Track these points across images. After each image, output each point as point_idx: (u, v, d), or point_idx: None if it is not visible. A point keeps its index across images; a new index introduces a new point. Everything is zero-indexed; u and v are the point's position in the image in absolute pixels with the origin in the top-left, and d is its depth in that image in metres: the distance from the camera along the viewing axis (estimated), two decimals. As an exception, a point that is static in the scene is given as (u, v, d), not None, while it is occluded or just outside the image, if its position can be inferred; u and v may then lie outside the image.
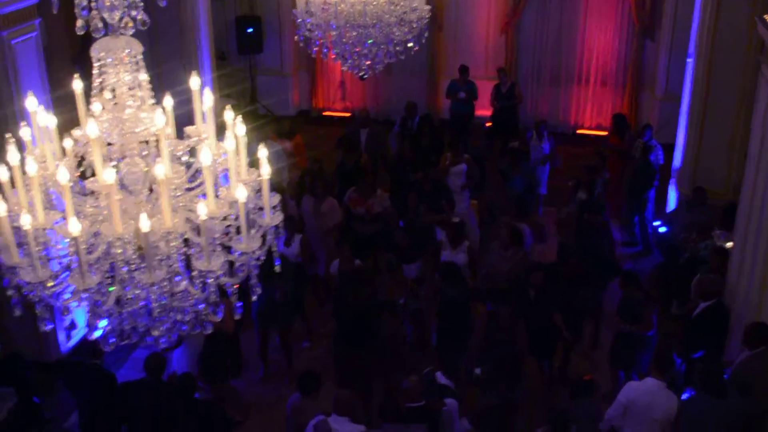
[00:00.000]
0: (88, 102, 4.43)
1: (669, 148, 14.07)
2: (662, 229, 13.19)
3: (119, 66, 4.27)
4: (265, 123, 17.05)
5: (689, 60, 12.98)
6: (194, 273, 4.23)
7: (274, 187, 4.64)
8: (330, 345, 10.98)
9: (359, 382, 9.92)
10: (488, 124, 17.00)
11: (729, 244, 10.66)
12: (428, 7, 10.09)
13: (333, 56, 10.03)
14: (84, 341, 9.76)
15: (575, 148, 17.25)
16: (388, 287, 10.29)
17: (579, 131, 18.86)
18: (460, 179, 13.36)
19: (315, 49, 10.08)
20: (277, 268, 4.62)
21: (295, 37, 10.39)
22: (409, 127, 15.52)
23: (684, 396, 8.70)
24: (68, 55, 13.49)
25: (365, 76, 10.36)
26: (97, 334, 4.42)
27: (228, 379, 10.25)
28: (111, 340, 4.38)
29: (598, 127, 18.75)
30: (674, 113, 14.23)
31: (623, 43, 18.12)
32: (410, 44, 9.96)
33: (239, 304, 4.48)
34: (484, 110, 17.42)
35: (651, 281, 12.67)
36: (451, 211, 12.52)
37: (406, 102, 16.10)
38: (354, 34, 9.67)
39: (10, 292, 4.27)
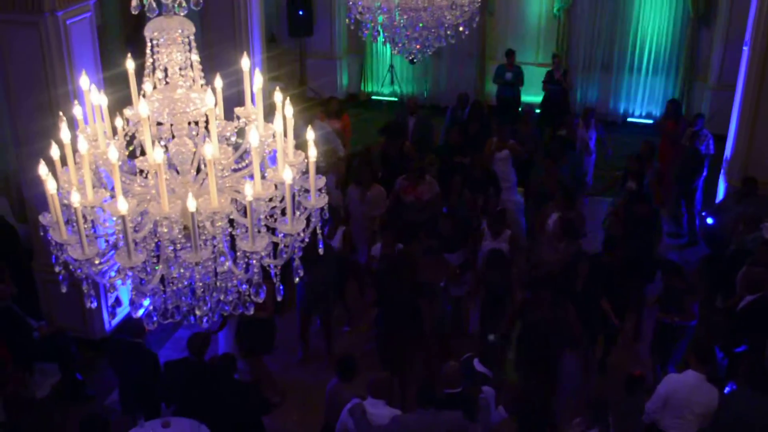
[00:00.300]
0: (140, 82, 4.48)
1: (721, 139, 13.86)
2: (709, 221, 13.01)
3: (171, 46, 4.30)
4: (313, 105, 17.12)
5: (745, 48, 12.75)
6: (238, 253, 4.25)
7: (321, 170, 4.64)
8: (369, 331, 11.05)
9: (400, 364, 10.00)
10: (537, 111, 16.87)
11: (778, 237, 10.51)
12: (480, -8, 10.04)
13: (384, 40, 10.01)
14: (127, 320, 9.89)
15: (625, 137, 17.07)
16: (430, 272, 10.26)
17: (629, 119, 18.65)
18: (506, 166, 13.30)
19: (365, 32, 10.08)
20: (321, 251, 4.63)
21: (346, 20, 10.41)
22: (458, 117, 15.44)
23: (726, 390, 8.61)
24: (122, 35, 13.65)
25: (415, 61, 10.33)
26: (141, 312, 4.48)
27: (259, 354, 10.31)
28: (154, 318, 4.42)
29: (649, 116, 18.55)
30: (727, 103, 14.00)
31: (677, 31, 17.87)
32: (461, 28, 9.91)
33: (281, 286, 4.50)
34: (533, 97, 17.29)
35: (696, 273, 12.52)
36: (497, 197, 12.46)
37: (458, 93, 16.04)
38: (405, 17, 9.65)
39: (57, 269, 4.32)
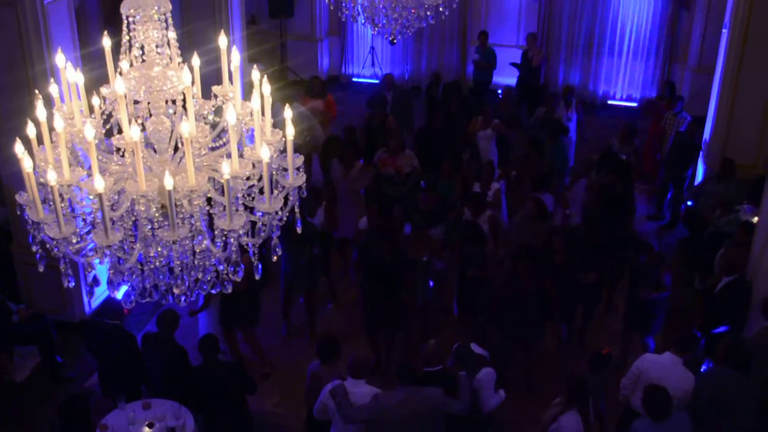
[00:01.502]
0: (116, 60, 4.45)
1: (701, 121, 13.91)
2: (688, 203, 13.10)
3: (148, 23, 4.28)
4: (292, 86, 17.10)
5: (724, 31, 12.81)
6: (216, 232, 4.25)
7: (299, 149, 4.64)
8: (352, 308, 11.09)
9: (382, 336, 10.16)
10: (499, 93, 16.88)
11: (756, 219, 10.57)
12: (460, -28, 10.04)
13: (363, 20, 9.99)
14: (106, 302, 9.88)
15: (605, 119, 17.13)
16: (413, 247, 10.30)
17: (609, 102, 18.71)
18: (489, 145, 13.37)
19: (346, 12, 10.05)
20: (299, 230, 4.63)
21: (327, 0, 10.37)
22: (433, 95, 15.47)
23: (702, 368, 8.68)
24: (100, 15, 13.55)
25: (395, 41, 10.32)
26: (119, 294, 4.47)
27: (247, 326, 10.37)
28: (132, 297, 4.41)
29: (629, 98, 18.60)
30: (707, 85, 14.07)
31: (658, 14, 17.89)
32: (441, 9, 9.90)
33: (259, 264, 4.50)
34: (510, 77, 17.28)
35: (675, 255, 12.62)
36: (491, 170, 12.51)
37: (432, 72, 16.10)
38: (385, -3, 9.64)
39: (34, 248, 4.31)
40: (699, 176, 13.73)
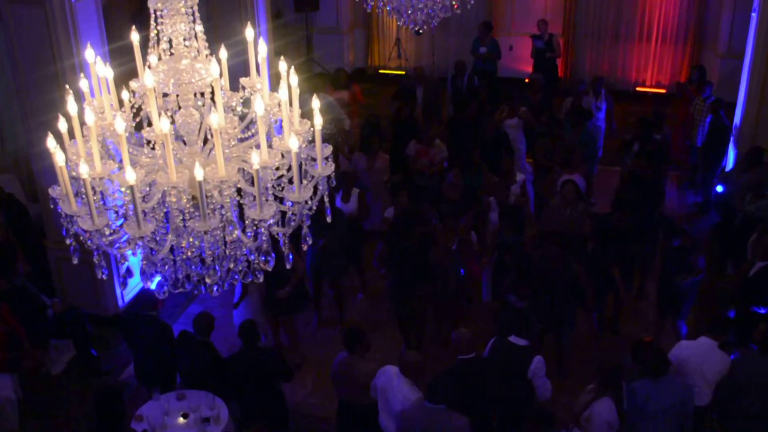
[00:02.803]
0: (145, 54, 4.50)
1: (730, 107, 13.80)
2: (719, 188, 13.00)
3: (175, 17, 4.32)
4: (317, 78, 17.15)
5: (753, 15, 12.68)
6: (247, 222, 4.29)
7: (327, 139, 4.67)
8: (383, 299, 11.12)
9: (413, 324, 10.22)
10: (527, 81, 16.78)
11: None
12: (486, -38, 10.03)
13: (388, 11, 10.00)
14: (141, 294, 9.98)
15: (634, 106, 17.02)
16: (442, 236, 10.32)
17: (639, 89, 18.59)
18: (517, 133, 13.35)
19: (371, 3, 10.06)
20: (328, 219, 4.67)
21: (352, -8, 10.40)
22: (459, 86, 15.44)
23: (734, 356, 8.64)
24: (127, 13, 13.65)
25: (420, 32, 10.34)
26: (153, 285, 4.52)
27: (290, 313, 10.47)
28: (165, 288, 4.46)
29: (658, 85, 18.50)
30: (736, 71, 13.94)
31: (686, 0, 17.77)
32: (467, -1, 9.90)
33: (290, 254, 4.53)
34: (526, 66, 17.23)
35: (708, 241, 12.53)
36: (510, 158, 12.49)
37: (455, 61, 16.05)
38: (410, -13, 9.65)
39: (68, 241, 4.37)
40: (730, 162, 13.63)
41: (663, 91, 18.38)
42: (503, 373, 8.11)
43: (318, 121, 4.30)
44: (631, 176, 11.88)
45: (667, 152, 13.17)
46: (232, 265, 4.43)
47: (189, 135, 4.44)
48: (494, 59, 16.86)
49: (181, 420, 8.27)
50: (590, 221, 10.48)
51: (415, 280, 10.05)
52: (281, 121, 4.42)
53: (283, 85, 4.35)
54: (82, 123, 4.21)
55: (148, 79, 3.97)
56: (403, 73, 19.20)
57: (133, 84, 4.60)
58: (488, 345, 8.54)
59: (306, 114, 4.54)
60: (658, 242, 11.05)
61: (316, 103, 4.36)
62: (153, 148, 4.43)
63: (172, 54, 4.40)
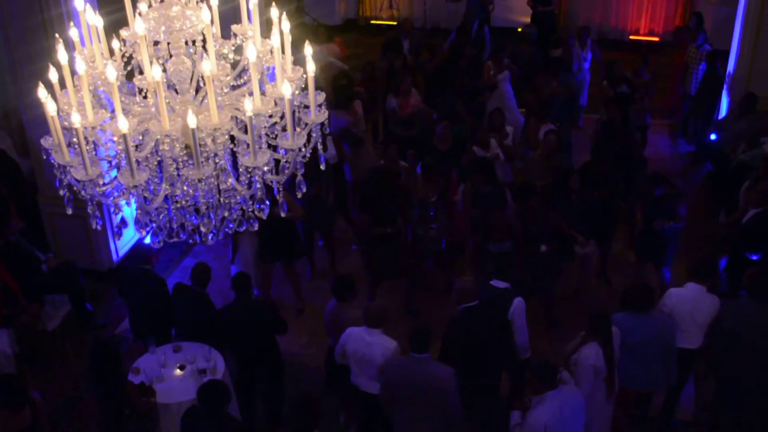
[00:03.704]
0: (135, 2, 4.45)
1: (724, 55, 13.74)
2: (712, 137, 13.00)
3: (164, -37, 4.27)
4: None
5: (747, -39, 12.60)
6: (241, 170, 4.28)
7: (320, 87, 4.64)
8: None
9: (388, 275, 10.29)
10: (519, 30, 16.59)
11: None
12: None
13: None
14: (136, 247, 9.98)
15: (628, 55, 16.91)
16: (423, 188, 10.30)
17: (632, 37, 18.49)
18: (505, 85, 13.30)
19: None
20: (323, 167, 4.66)
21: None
22: (468, 32, 15.24)
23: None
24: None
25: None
26: (147, 239, 4.52)
27: (288, 259, 10.54)
28: (159, 237, 4.46)
29: (651, 33, 18.40)
30: (729, 18, 13.87)
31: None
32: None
33: (284, 203, 4.51)
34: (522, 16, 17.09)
35: (700, 189, 12.57)
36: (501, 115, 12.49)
37: (466, 8, 15.86)
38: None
39: (61, 192, 4.35)
40: (723, 110, 13.60)
41: (656, 39, 18.30)
42: (487, 316, 8.12)
43: (310, 67, 4.27)
44: (603, 124, 11.90)
45: (639, 98, 13.06)
46: (226, 214, 4.43)
47: (181, 83, 4.41)
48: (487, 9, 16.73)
49: (177, 371, 8.32)
50: (575, 175, 10.47)
51: (383, 237, 10.08)
52: (274, 68, 4.39)
53: (275, 31, 4.32)
54: (73, 72, 4.17)
55: (138, 26, 3.93)
56: (395, 23, 19.02)
57: (123, 32, 4.55)
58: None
59: (298, 61, 4.51)
60: (636, 189, 11.02)
61: (308, 50, 4.33)
62: (145, 97, 4.39)
63: (162, 1, 4.34)
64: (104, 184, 4.28)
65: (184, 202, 4.32)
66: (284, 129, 4.32)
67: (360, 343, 7.83)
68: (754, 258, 9.47)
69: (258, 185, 4.29)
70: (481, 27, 15.46)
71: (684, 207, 9.89)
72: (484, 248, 9.87)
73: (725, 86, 13.53)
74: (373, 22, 19.78)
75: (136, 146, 4.20)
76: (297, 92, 4.40)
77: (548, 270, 9.95)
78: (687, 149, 14.19)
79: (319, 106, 4.45)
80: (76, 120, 3.93)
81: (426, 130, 12.33)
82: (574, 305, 10.40)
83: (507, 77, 13.33)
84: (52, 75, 4.24)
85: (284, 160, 4.38)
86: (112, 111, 4.13)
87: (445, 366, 7.47)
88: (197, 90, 4.46)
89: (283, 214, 4.56)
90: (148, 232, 4.51)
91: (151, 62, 4.01)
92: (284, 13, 4.39)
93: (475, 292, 8.15)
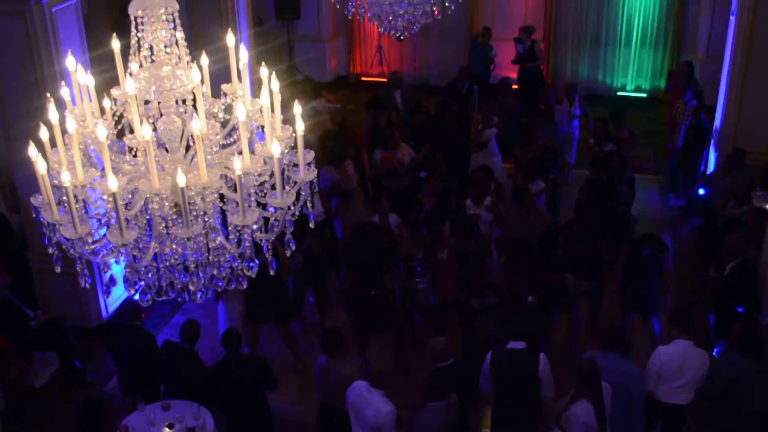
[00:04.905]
0: (126, 62, 4.49)
1: (711, 111, 13.88)
2: (701, 191, 13.07)
3: (156, 23, 4.31)
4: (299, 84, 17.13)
5: (732, 18, 12.79)
6: (230, 228, 4.29)
7: (309, 145, 4.68)
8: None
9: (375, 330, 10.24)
10: (515, 87, 16.72)
11: (768, 206, 10.58)
12: (466, -33, 10.06)
13: (369, 17, 10.03)
14: (125, 304, 9.94)
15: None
16: (407, 245, 10.31)
17: (619, 93, 18.69)
18: (492, 141, 13.39)
19: (352, 10, 10.08)
20: (312, 224, 4.67)
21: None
22: (459, 91, 15.41)
23: (715, 352, 8.67)
24: (108, 21, 13.64)
25: (402, 38, 10.36)
26: (136, 295, 4.51)
27: (280, 319, 10.48)
28: (148, 296, 4.45)
29: (638, 89, 18.61)
30: (716, 74, 14.04)
31: (665, 3, 17.90)
32: (447, 4, 9.93)
33: (273, 261, 4.52)
34: (512, 72, 17.27)
35: (689, 244, 12.59)
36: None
37: (459, 67, 16.05)
38: (390, -7, 9.67)
39: (51, 250, 4.35)
40: (711, 164, 13.71)
41: (643, 95, 18.50)
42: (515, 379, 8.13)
43: (300, 126, 4.31)
44: (589, 183, 11.95)
45: (624, 156, 13.15)
46: (215, 272, 4.43)
47: (171, 142, 4.44)
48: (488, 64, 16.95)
49: (166, 430, 8.23)
50: (563, 233, 10.51)
51: (366, 293, 10.03)
52: (263, 127, 4.43)
53: (264, 90, 4.36)
54: (64, 131, 4.20)
55: (129, 86, 3.97)
56: (386, 80, 19.17)
57: (114, 91, 4.60)
58: (487, 359, 8.38)
59: (288, 120, 4.54)
60: (621, 245, 11.04)
61: (297, 108, 4.37)
62: (135, 156, 4.42)
63: (153, 61, 4.39)
64: (93, 242, 4.28)
65: (173, 260, 4.32)
66: (273, 187, 4.35)
67: (359, 399, 7.82)
68: (740, 310, 9.49)
69: (247, 243, 4.31)
70: (471, 84, 15.60)
71: (671, 260, 9.92)
72: (467, 304, 9.88)
73: (712, 141, 13.64)
74: (363, 78, 19.96)
75: (126, 204, 4.21)
76: (286, 151, 4.43)
77: (537, 323, 9.91)
78: (676, 203, 14.26)
79: (308, 164, 4.47)
80: (65, 179, 3.95)
81: (417, 184, 12.41)
82: (563, 361, 10.33)
83: (494, 133, 13.42)
84: (43, 133, 4.27)
85: (273, 218, 4.39)
86: (102, 169, 4.14)
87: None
88: (187, 148, 4.49)
89: (272, 272, 4.55)
90: (137, 290, 4.50)
91: (141, 121, 4.04)
92: (274, 72, 4.44)
93: (448, 352, 8.21)
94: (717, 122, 13.54)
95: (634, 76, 18.67)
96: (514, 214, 11.33)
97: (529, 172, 12.07)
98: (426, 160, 12.94)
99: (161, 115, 4.44)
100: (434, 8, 9.91)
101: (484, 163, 12.73)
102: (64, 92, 4.58)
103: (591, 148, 13.16)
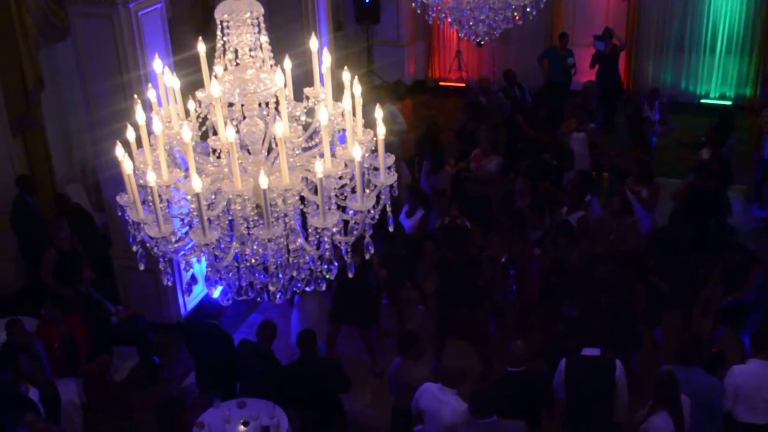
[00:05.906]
0: (211, 65, 4.58)
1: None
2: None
3: (241, 27, 4.40)
4: (378, 89, 17.20)
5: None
6: (310, 230, 4.33)
7: (390, 149, 4.69)
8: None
9: (468, 335, 9.96)
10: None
11: None
12: (547, -27, 9.99)
13: (450, 22, 10.02)
14: (204, 302, 10.09)
15: (698, 119, 16.74)
16: (495, 248, 10.24)
17: (702, 101, 18.31)
18: (583, 147, 13.23)
19: (432, 15, 10.09)
20: (390, 229, 4.68)
21: (413, 4, 10.42)
22: (514, 96, 15.33)
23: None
24: (191, 25, 13.89)
25: (482, 43, 10.33)
26: (216, 294, 4.59)
27: (368, 325, 10.54)
28: (228, 295, 4.52)
29: (723, 97, 18.19)
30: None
31: (751, 10, 17.46)
32: (528, 9, 9.86)
33: (352, 264, 4.54)
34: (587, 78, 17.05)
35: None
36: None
37: (504, 71, 15.98)
38: (472, -1, 9.65)
39: (135, 248, 4.46)
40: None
41: (728, 103, 18.08)
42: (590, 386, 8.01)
43: (381, 130, 4.33)
44: (691, 189, 11.67)
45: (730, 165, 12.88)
46: (294, 273, 4.47)
47: (254, 144, 4.51)
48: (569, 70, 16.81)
49: (241, 428, 8.33)
50: (646, 236, 10.31)
51: (456, 297, 9.93)
52: (345, 130, 4.46)
53: (346, 94, 4.39)
54: (150, 132, 4.30)
55: (214, 88, 4.04)
56: (464, 85, 19.14)
57: (199, 94, 4.68)
58: (561, 366, 8.27)
59: (369, 124, 4.57)
60: (717, 258, 10.78)
61: (378, 113, 4.38)
62: (218, 157, 4.50)
63: (237, 64, 4.47)
64: (176, 241, 4.36)
65: (253, 261, 4.38)
66: (354, 191, 4.37)
67: (432, 401, 7.76)
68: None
69: (326, 246, 4.34)
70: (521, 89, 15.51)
71: (760, 273, 9.66)
72: (557, 310, 9.77)
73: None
74: (441, 83, 19.94)
75: (209, 205, 4.29)
76: (367, 155, 4.45)
77: (636, 333, 9.77)
78: (760, 214, 13.91)
79: (389, 168, 4.49)
80: (151, 178, 4.03)
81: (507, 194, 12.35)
82: (646, 374, 10.14)
83: (586, 139, 13.25)
84: (130, 134, 4.38)
85: (353, 222, 4.42)
86: (186, 170, 4.22)
87: (515, 421, 7.41)
88: (269, 151, 4.55)
89: (350, 275, 4.58)
90: (217, 289, 4.57)
91: (225, 123, 4.11)
92: (356, 76, 4.47)
93: (524, 358, 8.11)
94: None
95: (718, 83, 18.24)
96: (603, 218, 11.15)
97: (643, 176, 11.82)
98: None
99: (244, 117, 4.52)
100: (515, 14, 9.85)
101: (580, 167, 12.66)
102: (151, 94, 4.67)
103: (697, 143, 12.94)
